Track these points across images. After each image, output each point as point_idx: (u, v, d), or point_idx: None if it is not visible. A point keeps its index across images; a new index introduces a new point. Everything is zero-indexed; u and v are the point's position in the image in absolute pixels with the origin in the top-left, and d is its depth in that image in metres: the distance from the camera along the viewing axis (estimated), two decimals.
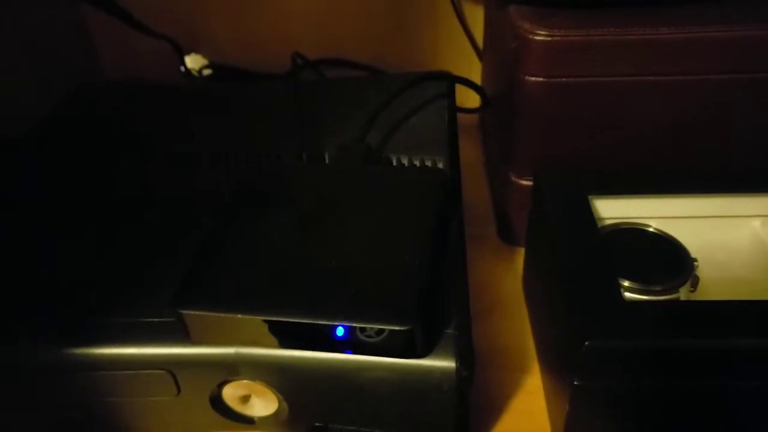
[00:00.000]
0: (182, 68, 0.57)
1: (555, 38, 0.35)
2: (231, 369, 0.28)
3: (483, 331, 0.38)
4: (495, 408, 0.34)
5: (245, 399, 0.30)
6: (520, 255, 0.43)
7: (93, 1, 0.50)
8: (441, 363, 0.27)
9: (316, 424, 0.30)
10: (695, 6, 0.36)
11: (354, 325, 0.26)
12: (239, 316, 0.26)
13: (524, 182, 0.40)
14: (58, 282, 0.31)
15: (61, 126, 0.43)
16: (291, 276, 0.28)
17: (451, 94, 0.45)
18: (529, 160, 0.39)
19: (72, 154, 0.40)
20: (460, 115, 0.51)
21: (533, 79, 0.36)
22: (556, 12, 0.36)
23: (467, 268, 0.33)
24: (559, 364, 0.31)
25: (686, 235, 0.34)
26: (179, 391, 0.29)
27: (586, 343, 0.26)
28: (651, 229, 0.33)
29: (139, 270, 0.31)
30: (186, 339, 0.28)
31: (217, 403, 0.30)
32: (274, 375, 0.28)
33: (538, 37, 0.35)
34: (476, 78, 0.55)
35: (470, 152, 0.54)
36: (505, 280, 0.42)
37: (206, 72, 0.58)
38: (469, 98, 0.51)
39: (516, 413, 0.34)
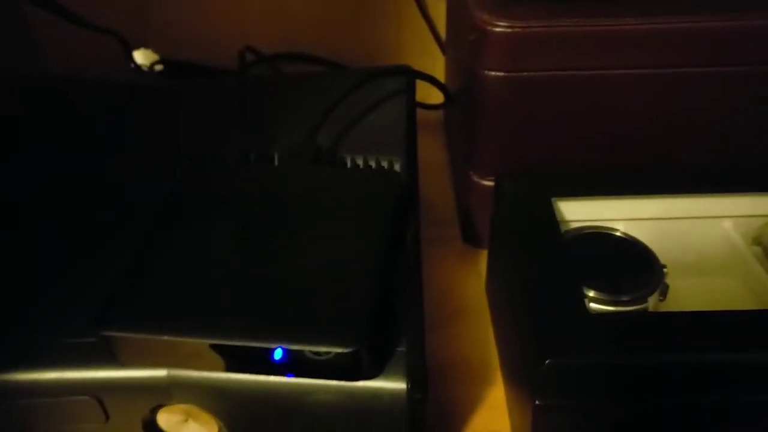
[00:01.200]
0: (132, 64, 0.54)
1: (515, 30, 0.33)
2: (164, 393, 0.26)
3: (444, 340, 0.36)
4: (455, 424, 0.32)
5: (182, 424, 0.28)
6: (484, 257, 0.41)
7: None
8: (391, 385, 0.25)
9: None
10: None
11: (293, 347, 0.23)
12: (166, 338, 0.24)
13: (486, 183, 0.38)
14: None
15: None
16: (228, 293, 0.25)
17: (411, 90, 0.42)
18: (491, 159, 0.37)
19: None
20: (424, 112, 0.49)
21: (493, 73, 0.34)
22: (516, 1, 0.34)
23: (422, 278, 0.31)
24: (520, 380, 0.29)
25: (655, 237, 0.33)
26: (108, 417, 0.27)
27: (547, 361, 0.24)
28: (618, 234, 0.31)
29: (62, 285, 0.29)
30: (112, 361, 0.25)
31: (151, 429, 0.27)
32: (211, 399, 0.26)
33: (497, 29, 0.33)
34: (440, 72, 0.53)
35: (435, 150, 0.52)
36: (468, 284, 0.40)
37: (158, 67, 0.55)
38: (433, 94, 0.49)
39: (477, 430, 0.32)
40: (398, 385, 0.25)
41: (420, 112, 0.47)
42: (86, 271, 0.29)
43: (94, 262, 0.29)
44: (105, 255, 0.29)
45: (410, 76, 0.43)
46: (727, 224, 0.34)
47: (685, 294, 0.32)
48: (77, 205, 0.33)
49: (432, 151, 0.52)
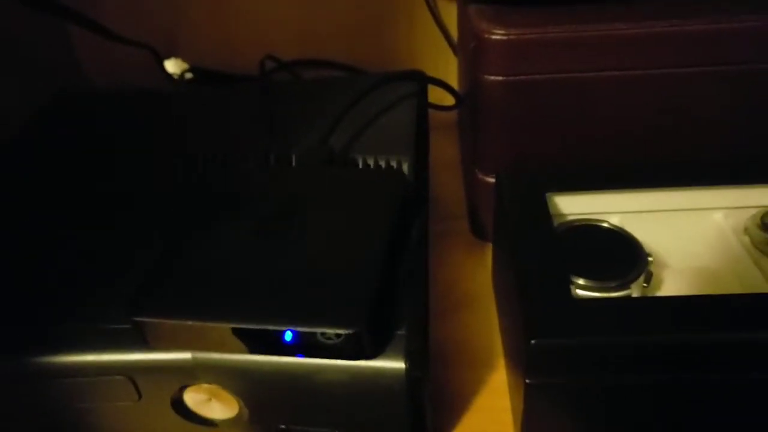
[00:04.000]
0: (163, 73, 0.57)
1: (511, 37, 0.35)
2: (189, 374, 0.29)
3: (451, 327, 0.39)
4: (458, 406, 0.34)
5: (206, 402, 0.30)
6: (491, 250, 0.43)
7: (67, 15, 0.50)
8: (390, 364, 0.27)
9: (280, 426, 0.31)
10: (654, 1, 0.36)
11: (300, 329, 0.26)
12: (189, 323, 0.27)
13: (490, 179, 0.40)
14: (15, 290, 0.31)
15: (41, 131, 0.44)
16: (245, 282, 0.28)
17: (422, 94, 0.45)
18: (494, 158, 0.40)
19: (42, 159, 0.41)
20: (441, 114, 0.51)
21: (492, 78, 0.36)
22: (514, 10, 0.36)
23: (428, 270, 0.33)
24: (515, 361, 0.31)
25: (648, 229, 0.34)
26: (140, 396, 0.30)
27: (532, 341, 0.27)
28: (605, 225, 0.33)
29: (99, 276, 0.32)
30: (144, 345, 0.28)
31: (179, 407, 0.30)
32: (230, 379, 0.29)
33: (494, 37, 0.35)
34: (453, 76, 0.55)
35: (449, 150, 0.55)
36: (475, 275, 0.42)
37: (188, 76, 0.58)
38: (448, 96, 0.51)
39: (479, 411, 0.34)
40: (397, 364, 0.27)
41: (437, 114, 0.50)
42: (120, 264, 0.32)
43: (128, 256, 0.32)
44: (138, 249, 0.33)
45: (422, 80, 0.46)
46: (718, 216, 0.36)
47: (674, 283, 0.34)
48: (116, 202, 0.36)
49: (446, 150, 0.54)
